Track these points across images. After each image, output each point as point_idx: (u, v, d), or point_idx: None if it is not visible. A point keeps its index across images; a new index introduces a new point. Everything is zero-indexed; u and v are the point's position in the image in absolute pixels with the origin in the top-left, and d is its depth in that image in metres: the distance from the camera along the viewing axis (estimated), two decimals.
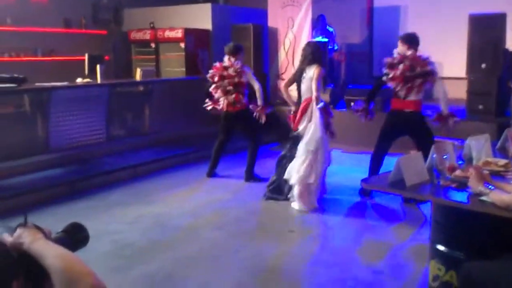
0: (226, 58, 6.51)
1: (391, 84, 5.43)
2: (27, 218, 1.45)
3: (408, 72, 5.31)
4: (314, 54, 5.56)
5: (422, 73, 5.33)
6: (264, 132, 9.42)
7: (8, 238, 1.37)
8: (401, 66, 5.32)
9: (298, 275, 3.98)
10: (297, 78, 5.68)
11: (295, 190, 5.44)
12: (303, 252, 4.42)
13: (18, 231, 1.39)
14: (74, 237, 1.51)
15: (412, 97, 5.44)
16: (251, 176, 6.67)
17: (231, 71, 6.39)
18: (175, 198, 6.00)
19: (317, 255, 4.39)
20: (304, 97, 5.55)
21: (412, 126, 5.53)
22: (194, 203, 5.81)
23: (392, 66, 5.39)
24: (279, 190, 5.78)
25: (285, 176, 5.51)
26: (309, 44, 5.95)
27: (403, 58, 5.35)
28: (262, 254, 4.35)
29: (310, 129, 5.35)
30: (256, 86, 6.50)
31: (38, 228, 1.41)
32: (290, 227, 5.03)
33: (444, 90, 5.51)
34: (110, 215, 5.35)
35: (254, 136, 6.78)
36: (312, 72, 5.46)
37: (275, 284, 3.84)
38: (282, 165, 5.80)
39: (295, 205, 5.48)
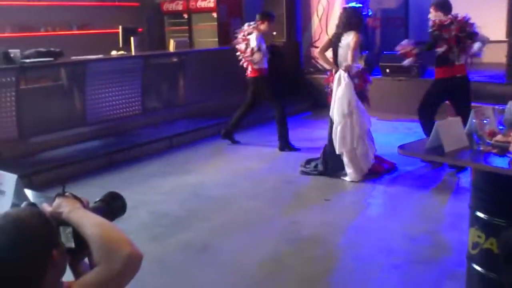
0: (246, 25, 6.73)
1: (444, 47, 5.30)
2: (65, 188, 1.48)
3: (459, 33, 5.25)
4: (352, 20, 5.44)
5: (470, 34, 5.30)
6: (297, 101, 9.39)
7: (47, 208, 1.40)
8: (453, 27, 5.25)
9: (335, 245, 3.98)
10: (333, 44, 5.57)
11: (344, 160, 5.36)
12: (340, 221, 4.41)
13: (57, 200, 1.41)
14: (112, 206, 1.53)
15: (462, 61, 5.39)
16: (285, 145, 6.64)
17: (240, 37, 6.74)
18: (210, 168, 6.05)
19: (354, 223, 4.37)
20: (341, 63, 5.44)
21: (461, 91, 5.47)
22: (229, 173, 5.85)
23: (443, 28, 5.28)
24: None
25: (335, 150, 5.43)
26: (346, 9, 5.81)
27: (453, 20, 5.29)
28: (298, 223, 4.36)
29: (338, 94, 5.26)
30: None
31: (76, 197, 1.44)
32: (327, 196, 5.01)
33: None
34: (146, 186, 5.44)
35: (274, 103, 6.78)
36: (350, 38, 5.34)
37: (312, 253, 3.85)
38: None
39: (347, 176, 5.37)
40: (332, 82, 5.48)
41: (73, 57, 7.02)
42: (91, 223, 1.34)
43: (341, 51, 5.43)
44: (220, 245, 4.03)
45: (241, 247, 3.98)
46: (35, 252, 1.25)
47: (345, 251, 3.88)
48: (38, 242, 1.26)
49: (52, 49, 6.62)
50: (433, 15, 5.40)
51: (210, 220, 4.51)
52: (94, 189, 5.23)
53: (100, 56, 7.27)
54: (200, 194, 5.19)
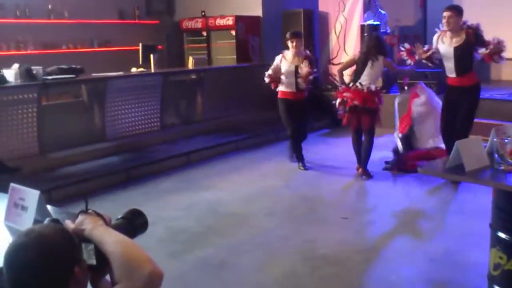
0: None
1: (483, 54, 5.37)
2: (88, 204, 1.49)
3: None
4: (379, 46, 5.89)
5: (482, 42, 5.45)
6: (315, 118, 9.39)
7: (70, 225, 1.42)
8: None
9: (351, 263, 3.93)
10: (359, 67, 5.90)
11: None
12: (357, 240, 4.37)
13: (80, 217, 1.43)
14: (134, 223, 1.54)
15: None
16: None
17: None
18: (227, 184, 6.06)
19: (371, 242, 4.33)
20: (369, 83, 5.80)
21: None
22: (246, 189, 5.85)
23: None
24: None
25: None
26: (372, 37, 6.24)
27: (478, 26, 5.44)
28: (315, 241, 4.33)
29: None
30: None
31: (98, 215, 1.45)
32: (343, 214, 4.98)
33: None
34: (164, 202, 5.46)
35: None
36: (381, 63, 5.87)
37: (328, 271, 3.82)
38: None
39: None
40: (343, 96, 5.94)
41: (94, 74, 7.14)
42: (113, 241, 1.35)
43: (371, 72, 5.83)
44: (237, 262, 4.02)
45: (258, 265, 3.96)
46: (57, 268, 1.27)
47: (362, 270, 3.84)
48: (61, 258, 1.27)
49: (73, 66, 6.74)
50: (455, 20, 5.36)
51: (227, 237, 4.51)
52: (112, 205, 5.27)
53: (120, 73, 7.38)
54: (217, 211, 5.20)
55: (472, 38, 5.35)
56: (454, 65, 5.45)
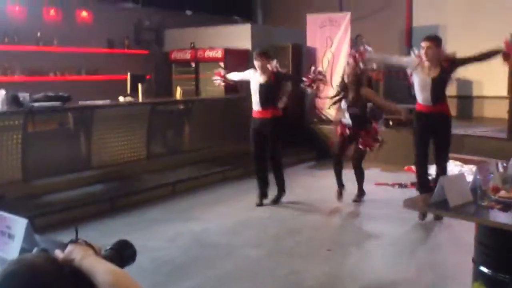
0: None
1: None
2: (78, 234, 1.50)
3: None
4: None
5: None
6: (301, 150, 9.47)
7: (59, 254, 1.42)
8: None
9: None
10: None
11: None
12: (341, 272, 4.38)
13: (69, 247, 1.43)
14: (122, 254, 1.55)
15: None
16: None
17: None
18: (213, 215, 6.04)
19: (356, 275, 4.33)
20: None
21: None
22: (232, 220, 5.84)
23: None
24: None
25: None
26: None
27: None
28: (300, 273, 4.33)
29: None
30: None
31: (88, 244, 1.45)
32: (328, 246, 4.98)
33: None
34: (149, 232, 5.42)
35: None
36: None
37: None
38: None
39: None
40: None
41: (81, 102, 7.14)
42: (103, 271, 1.35)
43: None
44: None
45: None
46: None
47: None
48: None
49: (60, 93, 6.73)
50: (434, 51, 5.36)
51: (213, 268, 4.48)
52: (96, 234, 5.21)
53: (108, 101, 7.40)
54: (203, 242, 5.17)
55: (448, 68, 5.38)
56: (430, 96, 5.44)
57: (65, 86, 7.93)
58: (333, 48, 10.14)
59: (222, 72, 6.89)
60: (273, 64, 6.26)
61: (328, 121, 10.09)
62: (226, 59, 9.86)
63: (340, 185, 6.51)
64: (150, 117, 7.76)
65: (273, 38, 10.39)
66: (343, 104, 6.33)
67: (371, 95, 6.41)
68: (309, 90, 6.51)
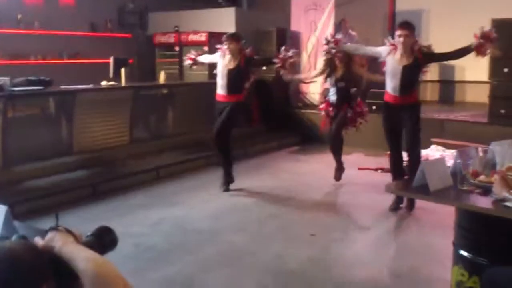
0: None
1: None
2: (58, 221, 1.48)
3: None
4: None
5: None
6: (285, 135, 9.48)
7: (39, 241, 1.40)
8: None
9: (319, 280, 3.96)
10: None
11: None
12: (325, 256, 4.41)
13: (50, 234, 1.41)
14: (103, 240, 1.53)
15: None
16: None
17: None
18: (196, 200, 6.03)
19: (339, 259, 4.36)
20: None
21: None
22: (215, 206, 5.84)
23: None
24: None
25: None
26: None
27: None
28: (283, 257, 4.35)
29: None
30: None
31: (69, 231, 1.43)
32: (312, 230, 5.01)
33: None
34: (132, 218, 5.40)
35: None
36: None
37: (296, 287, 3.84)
38: None
39: None
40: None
41: (63, 86, 7.04)
42: (84, 258, 1.34)
43: None
44: (205, 279, 3.99)
45: (226, 281, 3.95)
46: (24, 285, 1.25)
47: (329, 286, 3.87)
48: (29, 275, 1.26)
49: (42, 77, 6.63)
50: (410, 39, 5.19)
51: (195, 254, 4.48)
52: (78, 220, 5.18)
53: (90, 85, 7.31)
54: (186, 227, 5.17)
55: (422, 60, 5.24)
56: (399, 84, 5.25)
57: (46, 70, 7.82)
58: (317, 33, 10.11)
59: (193, 55, 6.70)
60: (244, 48, 6.10)
61: (313, 106, 10.11)
62: (210, 43, 9.77)
63: (340, 162, 6.61)
64: (133, 101, 7.69)
65: (258, 22, 10.34)
66: (329, 80, 6.37)
67: (363, 72, 6.47)
68: (282, 71, 6.25)
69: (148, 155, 7.56)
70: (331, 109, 6.44)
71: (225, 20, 10.25)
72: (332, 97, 6.41)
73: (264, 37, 10.06)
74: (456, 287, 2.92)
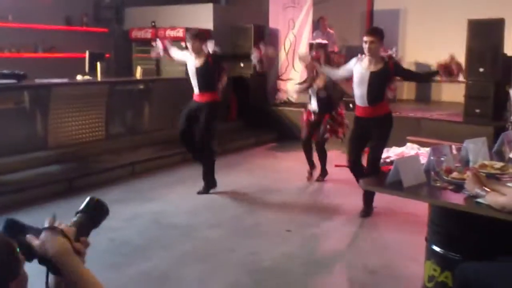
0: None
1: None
2: (55, 219, 1.43)
3: None
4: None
5: None
6: (263, 132, 9.51)
7: (34, 241, 1.36)
8: None
9: (295, 276, 3.99)
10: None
11: None
12: (300, 252, 4.43)
13: (44, 235, 1.37)
14: (94, 217, 1.52)
15: None
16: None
17: None
18: (172, 196, 6.01)
19: (314, 255, 4.40)
20: None
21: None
22: (191, 201, 5.83)
23: None
24: None
25: None
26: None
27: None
28: (258, 253, 4.36)
29: None
30: None
31: (65, 235, 1.39)
32: (287, 227, 5.03)
33: None
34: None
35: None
36: None
37: (271, 284, 3.86)
38: None
39: None
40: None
41: (37, 80, 6.95)
42: (75, 271, 1.34)
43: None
44: (180, 274, 3.99)
45: (201, 277, 3.95)
46: None
47: (305, 282, 3.90)
48: None
49: (16, 71, 6.54)
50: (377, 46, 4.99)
51: (170, 249, 4.47)
52: (51, 215, 5.12)
53: (65, 80, 7.21)
54: (162, 222, 5.15)
55: (392, 68, 5.03)
56: (367, 92, 5.00)
57: (20, 64, 7.69)
58: (295, 30, 10.15)
59: (166, 43, 6.35)
60: (209, 46, 5.91)
61: (290, 103, 10.16)
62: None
63: (311, 165, 6.69)
64: (109, 96, 7.62)
65: (235, 18, 10.33)
66: (311, 90, 6.37)
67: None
68: (258, 66, 6.02)
69: (124, 150, 7.50)
70: (312, 117, 6.44)
71: (202, 15, 10.21)
72: (314, 106, 6.41)
73: (242, 34, 10.05)
74: (429, 282, 2.97)
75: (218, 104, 6.09)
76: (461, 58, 7.79)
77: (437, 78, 5.15)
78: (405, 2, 10.89)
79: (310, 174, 6.71)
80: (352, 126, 5.43)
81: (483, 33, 7.69)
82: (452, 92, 9.74)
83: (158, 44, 6.29)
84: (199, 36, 5.88)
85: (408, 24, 10.93)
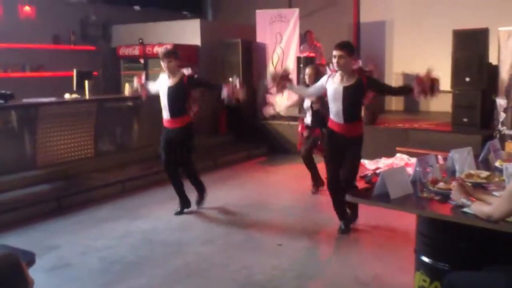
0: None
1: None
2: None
3: None
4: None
5: None
6: (253, 146, 9.52)
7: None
8: None
9: None
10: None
11: None
12: (292, 266, 4.43)
13: None
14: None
15: None
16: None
17: None
18: (163, 213, 5.99)
19: (306, 268, 4.40)
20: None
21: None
22: (182, 218, 5.82)
23: None
24: None
25: None
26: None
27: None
28: (250, 268, 4.35)
29: None
30: None
31: None
32: (279, 240, 5.03)
33: None
34: (98, 231, 5.33)
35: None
36: None
37: None
38: None
39: None
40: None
41: (25, 100, 6.93)
42: None
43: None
44: None
45: None
46: None
47: None
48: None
49: (2, 91, 6.52)
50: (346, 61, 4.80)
51: (163, 266, 4.45)
52: (42, 234, 5.10)
53: (53, 99, 7.20)
54: (152, 240, 5.13)
55: (365, 82, 4.84)
56: (342, 108, 4.84)
57: (8, 83, 7.68)
58: (282, 44, 10.21)
59: (143, 78, 6.19)
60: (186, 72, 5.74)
61: (280, 117, 10.18)
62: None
63: (314, 178, 6.68)
64: (98, 114, 7.62)
65: (223, 33, 10.39)
66: (305, 103, 6.41)
67: None
68: (226, 100, 5.73)
69: (113, 168, 7.48)
70: (305, 131, 6.50)
71: (190, 31, 10.27)
72: (308, 119, 6.44)
73: (229, 49, 10.10)
74: None
75: (192, 125, 5.86)
76: (447, 68, 7.94)
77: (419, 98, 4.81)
78: (391, 14, 11.03)
79: (316, 188, 6.68)
80: (327, 142, 5.23)
81: (468, 43, 7.80)
82: (440, 102, 9.79)
83: (135, 82, 6.12)
84: (173, 54, 5.69)
85: (394, 35, 11.06)
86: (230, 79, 5.73)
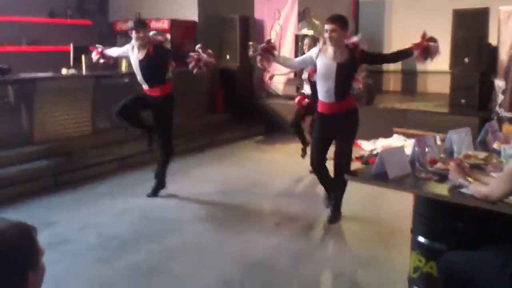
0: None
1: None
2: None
3: None
4: None
5: None
6: (249, 125, 9.51)
7: None
8: None
9: (284, 269, 4.01)
10: None
11: None
12: (290, 245, 4.46)
13: None
14: None
15: None
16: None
17: None
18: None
19: (304, 248, 4.42)
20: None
21: None
22: (180, 195, 5.83)
23: None
24: None
25: None
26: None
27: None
28: (247, 247, 4.38)
29: None
30: None
31: None
32: (277, 219, 5.06)
33: None
34: (95, 208, 5.35)
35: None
36: None
37: (260, 277, 3.88)
38: None
39: None
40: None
41: (22, 74, 6.88)
42: None
43: None
44: (168, 268, 4.00)
45: (190, 270, 3.97)
46: (10, 271, 1.24)
47: (294, 275, 3.93)
48: (15, 261, 1.25)
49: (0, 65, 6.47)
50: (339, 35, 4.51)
51: (160, 243, 4.48)
52: (40, 210, 5.12)
53: (50, 74, 7.15)
54: (150, 216, 5.15)
55: (359, 58, 4.57)
56: (334, 86, 4.57)
57: (4, 58, 7.60)
58: (281, 21, 10.14)
59: (99, 49, 6.06)
60: (155, 36, 5.57)
61: (277, 96, 10.17)
62: (173, 30, 9.68)
63: (304, 143, 6.83)
64: (95, 90, 7.56)
65: (221, 9, 10.27)
66: (304, 74, 6.39)
67: None
68: (195, 71, 5.41)
69: (110, 145, 7.45)
70: (305, 100, 6.51)
71: (187, 7, 10.14)
72: (307, 90, 6.44)
73: (227, 25, 10.02)
74: (414, 272, 3.02)
75: (173, 97, 5.68)
76: (446, 49, 7.89)
77: (419, 63, 4.77)
78: None
79: (304, 151, 6.86)
80: (316, 124, 5.01)
81: (468, 23, 7.75)
82: (438, 83, 9.82)
83: (93, 54, 6.05)
84: (144, 25, 5.50)
85: (393, 14, 10.98)
86: (197, 47, 5.45)
